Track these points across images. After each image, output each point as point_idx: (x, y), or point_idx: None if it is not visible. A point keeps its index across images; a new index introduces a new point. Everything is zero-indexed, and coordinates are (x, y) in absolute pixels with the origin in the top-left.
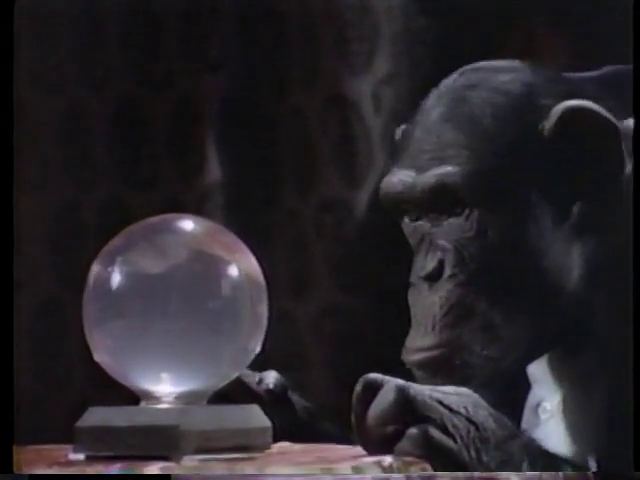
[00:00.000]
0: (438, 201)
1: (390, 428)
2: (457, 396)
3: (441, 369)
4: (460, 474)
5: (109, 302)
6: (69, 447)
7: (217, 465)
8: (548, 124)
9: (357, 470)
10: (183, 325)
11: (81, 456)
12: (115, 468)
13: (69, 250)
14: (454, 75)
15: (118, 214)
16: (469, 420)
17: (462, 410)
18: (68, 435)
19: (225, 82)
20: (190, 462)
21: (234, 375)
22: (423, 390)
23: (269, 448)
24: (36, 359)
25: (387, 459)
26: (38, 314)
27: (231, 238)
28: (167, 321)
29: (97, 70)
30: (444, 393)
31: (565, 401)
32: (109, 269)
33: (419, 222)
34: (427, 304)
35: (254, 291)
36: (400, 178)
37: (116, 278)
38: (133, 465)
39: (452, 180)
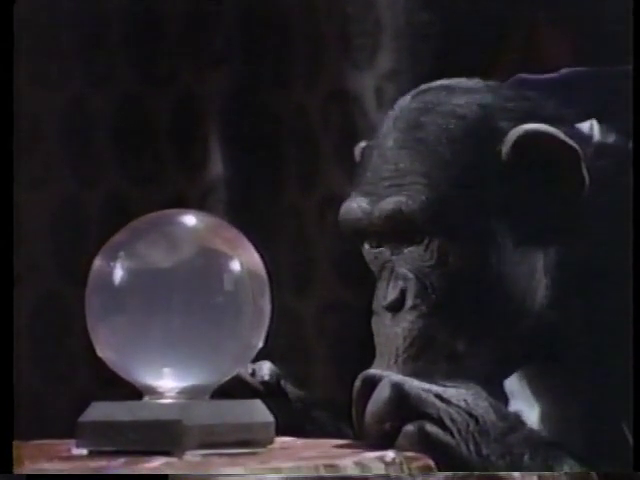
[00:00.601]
0: (396, 230)
1: (387, 425)
2: (456, 389)
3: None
4: (468, 473)
5: (111, 297)
6: (72, 442)
7: (219, 460)
8: (505, 148)
9: (360, 465)
10: (186, 320)
11: (84, 451)
12: (115, 465)
13: (71, 245)
14: (408, 97)
15: (120, 209)
16: (469, 413)
17: (462, 403)
18: (71, 430)
19: (228, 78)
20: (192, 457)
21: (237, 370)
22: (420, 385)
23: (272, 443)
24: (39, 354)
25: (390, 454)
26: (41, 310)
27: (233, 233)
28: (170, 316)
29: (99, 66)
30: (444, 387)
31: (543, 414)
32: (111, 264)
33: (379, 249)
34: (390, 335)
35: (256, 286)
36: (359, 204)
37: (118, 273)
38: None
39: (409, 209)
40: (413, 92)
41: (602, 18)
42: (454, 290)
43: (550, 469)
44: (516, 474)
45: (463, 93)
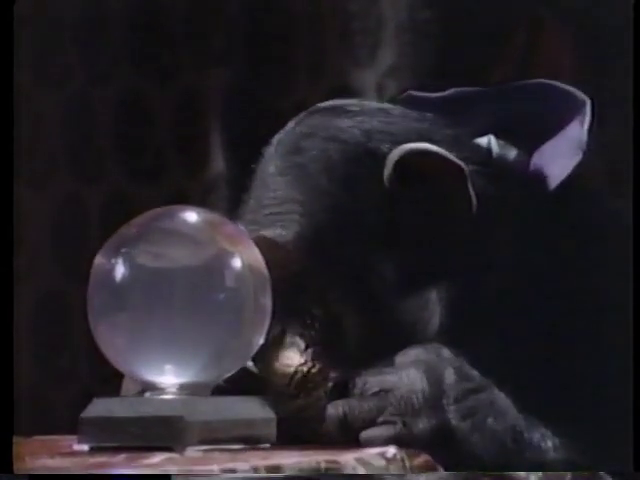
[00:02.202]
0: (275, 263)
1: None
2: (396, 375)
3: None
4: (474, 473)
5: (113, 294)
6: (74, 438)
7: (221, 456)
8: (386, 171)
9: (361, 461)
10: (187, 317)
11: (85, 447)
12: (118, 459)
13: (73, 243)
14: (294, 121)
15: (122, 206)
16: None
17: (400, 390)
18: (73, 426)
19: (229, 75)
20: (194, 453)
21: (238, 366)
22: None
23: (273, 439)
24: (41, 351)
25: (391, 450)
26: (42, 307)
27: (235, 230)
28: (171, 313)
29: (101, 64)
30: (384, 383)
31: None
32: (113, 261)
33: None
34: (277, 371)
35: (258, 283)
36: None
37: (120, 270)
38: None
39: (284, 240)
40: (301, 115)
41: (603, 16)
42: (334, 325)
43: (520, 436)
44: (522, 474)
45: (347, 116)
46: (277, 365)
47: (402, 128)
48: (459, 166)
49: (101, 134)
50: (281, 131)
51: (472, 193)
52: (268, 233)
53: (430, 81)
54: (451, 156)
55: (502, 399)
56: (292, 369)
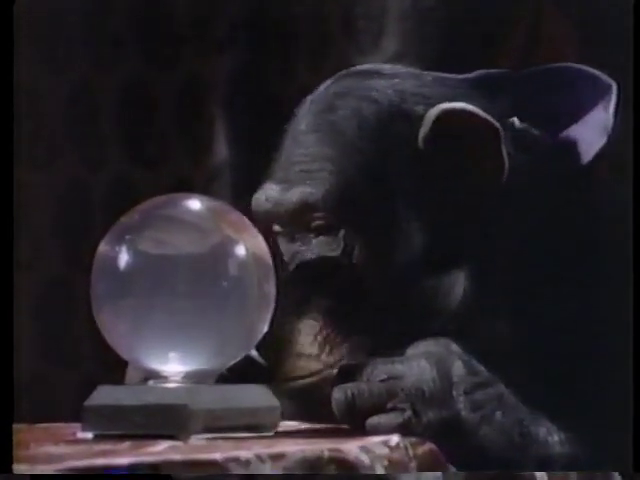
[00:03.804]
0: (303, 220)
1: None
2: (405, 364)
3: (318, 393)
4: (484, 472)
5: (117, 281)
6: (78, 426)
7: (225, 444)
8: (423, 130)
9: (364, 450)
10: (191, 304)
11: (89, 435)
12: (122, 447)
13: (76, 230)
14: (328, 81)
15: (125, 193)
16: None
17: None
18: (77, 414)
19: (232, 62)
20: (198, 441)
21: (242, 354)
22: (365, 385)
23: (277, 427)
24: (44, 338)
25: (394, 439)
26: (46, 294)
27: (238, 217)
28: (175, 300)
29: (104, 50)
30: (393, 370)
31: None
32: (117, 248)
33: (290, 239)
34: (294, 332)
35: (261, 271)
36: (267, 196)
37: (124, 257)
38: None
39: (313, 198)
40: (335, 76)
41: (605, 7)
42: (358, 282)
43: (526, 430)
44: (528, 474)
45: (381, 78)
46: (301, 325)
47: (436, 92)
48: (495, 126)
49: (104, 121)
50: (314, 91)
51: (505, 155)
52: (297, 192)
53: (434, 70)
54: (488, 116)
55: (509, 394)
56: (317, 329)
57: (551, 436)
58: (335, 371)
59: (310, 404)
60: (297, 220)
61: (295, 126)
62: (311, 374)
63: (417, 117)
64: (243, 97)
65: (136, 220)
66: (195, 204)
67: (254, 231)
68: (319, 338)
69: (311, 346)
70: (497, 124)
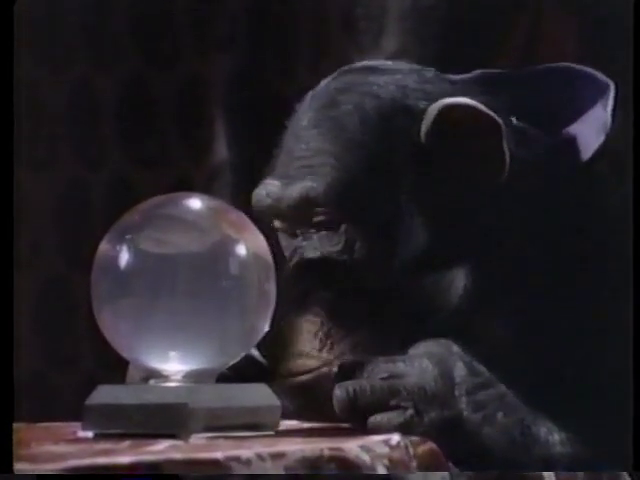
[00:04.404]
0: (304, 215)
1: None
2: (407, 364)
3: (319, 389)
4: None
5: (117, 281)
6: (78, 425)
7: (225, 443)
8: (425, 125)
9: (365, 449)
10: (191, 304)
11: (90, 434)
12: (122, 446)
13: (77, 229)
14: (329, 77)
15: (126, 193)
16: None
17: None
18: (77, 413)
19: (233, 61)
20: (198, 440)
21: (242, 354)
22: (367, 382)
23: (277, 426)
24: (45, 338)
25: (395, 437)
26: (45, 293)
27: (239, 216)
28: (175, 300)
29: (104, 49)
30: (394, 369)
31: None
32: (117, 248)
33: (291, 234)
34: (302, 328)
35: (262, 270)
36: (268, 191)
37: (124, 257)
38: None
39: (315, 193)
40: (336, 72)
41: (605, 6)
42: (359, 278)
43: (528, 430)
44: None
45: (383, 73)
46: (301, 321)
47: (437, 88)
48: (497, 121)
49: (104, 120)
50: (315, 87)
51: (506, 149)
52: (298, 187)
53: (434, 67)
54: (490, 111)
55: (510, 395)
56: (317, 325)
57: (552, 436)
58: (335, 368)
59: (310, 401)
60: (298, 215)
61: (296, 122)
62: (311, 370)
63: (419, 112)
64: (243, 96)
65: (136, 219)
66: (195, 203)
67: (255, 230)
68: (320, 334)
69: (312, 343)
70: (499, 119)
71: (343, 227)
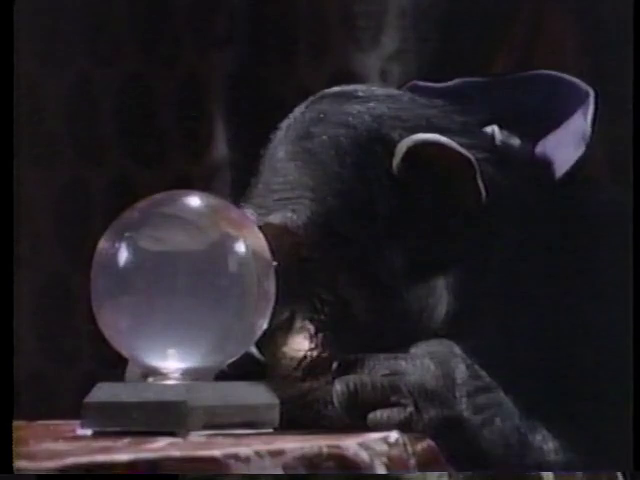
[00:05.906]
0: (284, 246)
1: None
2: (408, 361)
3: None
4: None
5: (116, 278)
6: (77, 422)
7: (224, 441)
8: (395, 160)
9: (363, 446)
10: (190, 301)
11: (89, 431)
12: (121, 444)
13: (76, 227)
14: (303, 105)
15: (125, 191)
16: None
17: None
18: (76, 411)
19: (232, 59)
20: (197, 438)
21: (241, 351)
22: (368, 379)
23: (276, 424)
24: (44, 335)
25: (393, 435)
26: (45, 291)
27: (238, 214)
28: (174, 297)
29: (104, 46)
30: (396, 366)
31: None
32: (117, 245)
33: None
34: (279, 355)
35: (261, 268)
36: None
37: (124, 254)
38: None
39: (294, 225)
40: (309, 100)
41: (605, 9)
42: (344, 309)
43: (524, 437)
44: (534, 474)
45: (357, 102)
46: (286, 349)
47: (412, 114)
48: (468, 159)
49: (104, 118)
50: (290, 116)
51: (481, 185)
52: (278, 217)
53: (434, 67)
54: (461, 148)
55: (508, 401)
56: (301, 353)
57: (546, 444)
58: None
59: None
60: (277, 246)
61: (272, 153)
62: (299, 397)
63: (393, 142)
64: (243, 94)
65: (136, 217)
66: (194, 201)
67: (254, 228)
68: (304, 364)
69: (296, 370)
70: (470, 156)
71: (324, 260)
